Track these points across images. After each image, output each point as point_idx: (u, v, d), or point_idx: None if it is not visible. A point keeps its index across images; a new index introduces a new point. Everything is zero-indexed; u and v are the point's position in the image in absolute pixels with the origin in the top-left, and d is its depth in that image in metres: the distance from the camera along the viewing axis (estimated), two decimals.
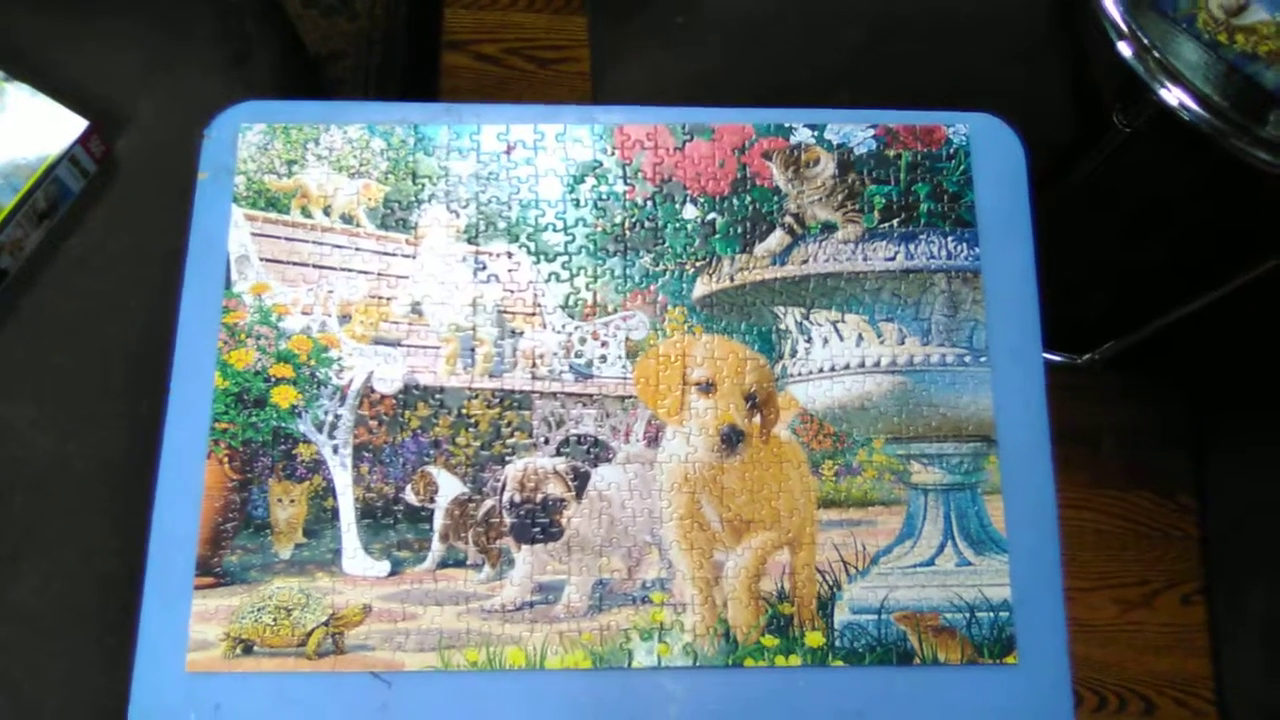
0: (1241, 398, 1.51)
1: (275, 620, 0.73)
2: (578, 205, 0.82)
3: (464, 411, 0.77)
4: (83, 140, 0.88)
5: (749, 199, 0.82)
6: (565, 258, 0.81)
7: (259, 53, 1.00)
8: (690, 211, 0.82)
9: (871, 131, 0.84)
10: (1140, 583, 1.50)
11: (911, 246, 0.82)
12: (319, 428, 0.76)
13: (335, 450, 0.76)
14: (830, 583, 0.76)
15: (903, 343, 0.80)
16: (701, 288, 0.80)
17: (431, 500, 0.76)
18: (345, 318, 0.79)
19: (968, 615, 0.75)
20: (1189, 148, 0.95)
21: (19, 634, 0.82)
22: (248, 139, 0.82)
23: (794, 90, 1.06)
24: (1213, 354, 1.52)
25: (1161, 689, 1.45)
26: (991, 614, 0.75)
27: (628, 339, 0.79)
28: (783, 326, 0.80)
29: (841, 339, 0.80)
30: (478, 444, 0.77)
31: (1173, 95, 0.90)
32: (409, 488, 0.76)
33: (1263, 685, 1.38)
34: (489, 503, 0.76)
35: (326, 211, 0.80)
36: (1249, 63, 0.89)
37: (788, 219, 0.82)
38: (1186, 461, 1.55)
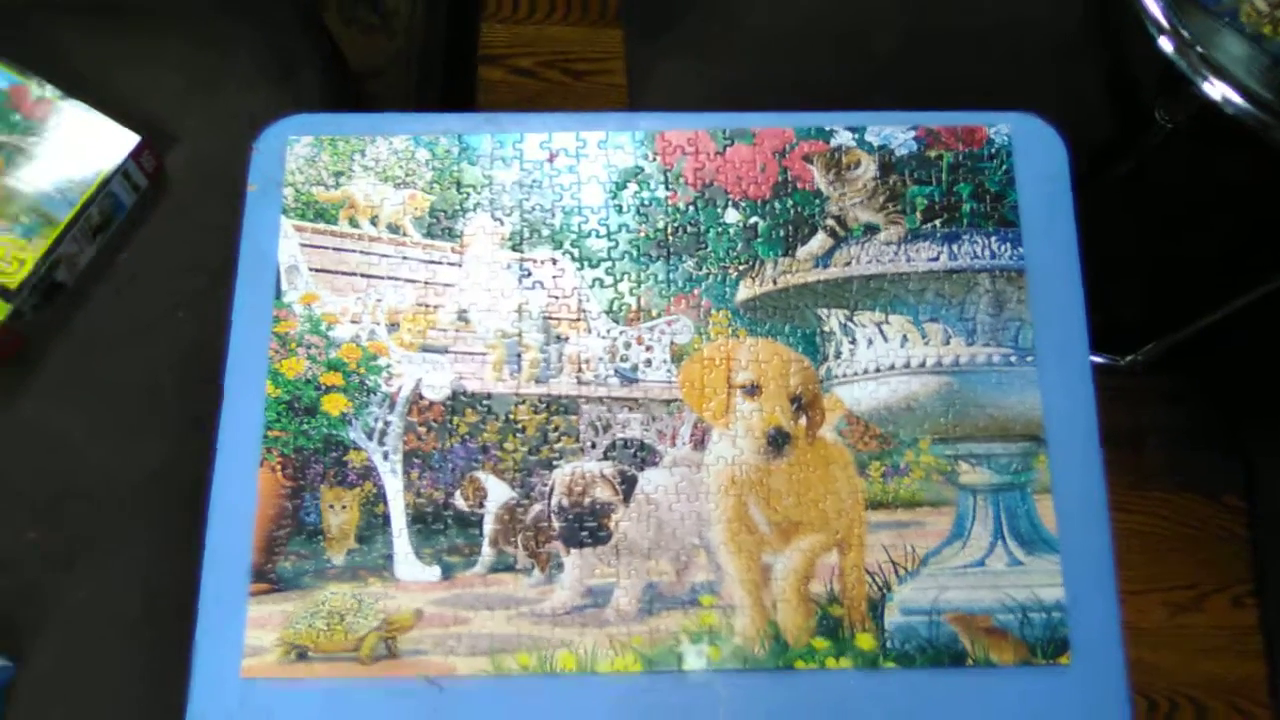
0: None
1: (329, 626, 0.74)
2: (620, 211, 0.83)
3: (511, 417, 0.78)
4: (135, 155, 0.89)
5: (790, 202, 0.83)
6: (609, 263, 0.81)
7: (303, 69, 1.01)
8: (732, 215, 0.82)
9: (912, 133, 0.84)
10: (1189, 585, 1.48)
11: (955, 247, 0.82)
12: (369, 435, 0.77)
13: (385, 457, 0.77)
14: (880, 584, 0.75)
15: (948, 343, 0.80)
16: (745, 291, 0.81)
17: (481, 505, 0.76)
18: (393, 326, 0.79)
19: (1020, 616, 0.75)
20: (1232, 143, 0.94)
21: (72, 642, 0.84)
22: (295, 151, 0.83)
23: (829, 98, 1.07)
24: (1256, 354, 1.50)
25: (1214, 693, 1.43)
26: (1044, 614, 0.75)
27: (672, 343, 0.80)
28: (827, 329, 0.80)
29: (886, 340, 0.80)
30: (525, 449, 0.77)
31: (1216, 90, 0.89)
32: (458, 493, 0.77)
33: None
34: (537, 507, 0.76)
35: (374, 222, 0.82)
36: None
37: (830, 221, 0.82)
38: (1232, 462, 1.53)
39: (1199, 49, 0.89)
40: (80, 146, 0.88)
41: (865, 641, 0.74)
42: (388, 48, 1.34)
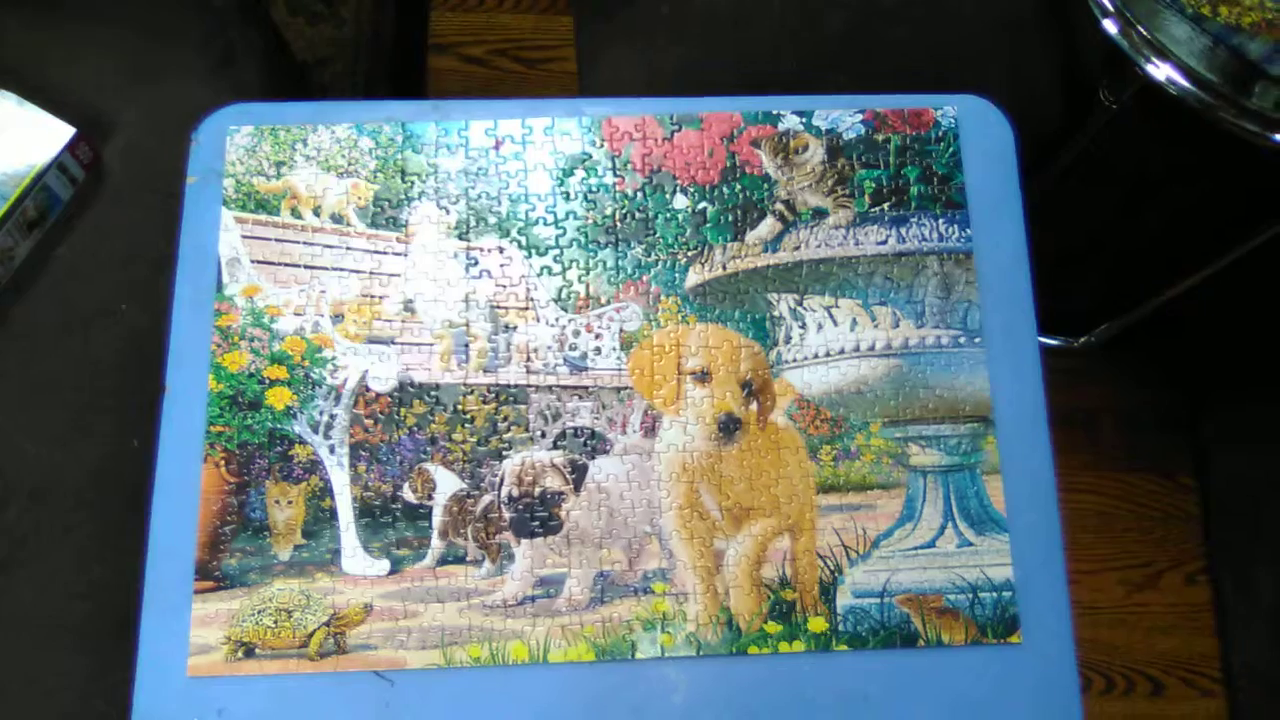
0: (1237, 377, 1.51)
1: (276, 622, 0.72)
2: (568, 198, 0.82)
3: (459, 408, 0.77)
4: (71, 148, 0.88)
5: (739, 187, 0.82)
6: (557, 251, 0.81)
7: (244, 58, 1.00)
8: (681, 201, 0.82)
9: (860, 116, 0.84)
10: (1144, 564, 1.49)
11: (903, 230, 0.82)
12: (315, 428, 0.76)
13: (332, 450, 0.76)
14: (832, 568, 0.75)
15: (897, 326, 0.80)
16: (694, 277, 0.80)
17: (430, 497, 0.76)
18: (338, 317, 0.78)
19: (970, 596, 0.75)
20: (1177, 123, 0.94)
21: (14, 644, 0.82)
22: (235, 141, 0.81)
23: (781, 78, 1.06)
24: (1209, 334, 1.53)
25: (1169, 669, 1.45)
26: (994, 594, 0.75)
27: (622, 330, 0.79)
28: (776, 313, 0.80)
29: (836, 324, 0.80)
30: (474, 440, 0.77)
31: (1160, 70, 0.90)
32: (406, 485, 0.76)
33: (1269, 662, 1.38)
34: (487, 498, 0.76)
35: (316, 212, 0.80)
36: (1233, 35, 0.89)
37: (778, 206, 0.82)
38: (1186, 442, 1.55)
39: (1142, 30, 0.90)
40: (13, 140, 0.86)
41: (817, 625, 0.74)
42: (336, 36, 1.32)
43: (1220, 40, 0.89)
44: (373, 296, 0.79)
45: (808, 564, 0.75)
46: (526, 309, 0.80)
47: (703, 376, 0.78)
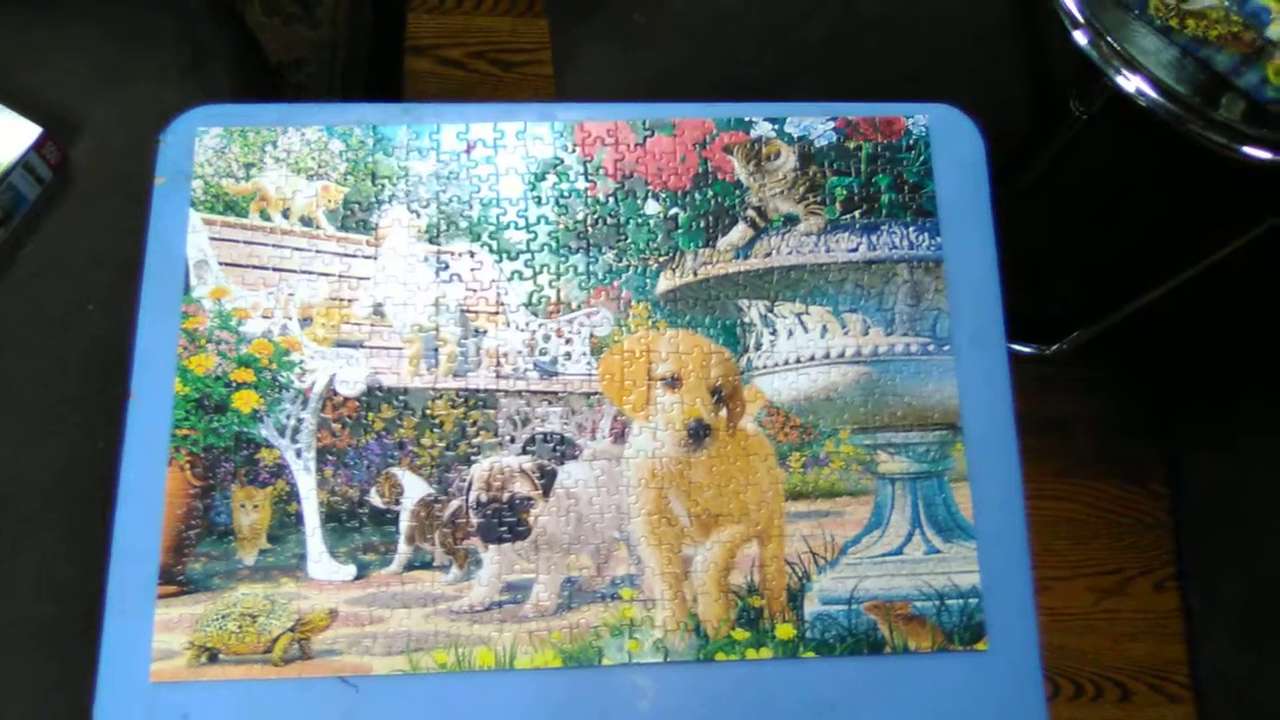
0: (1208, 385, 1.53)
1: (240, 627, 0.72)
2: (539, 203, 0.82)
3: (428, 412, 0.77)
4: (37, 147, 0.87)
5: (711, 193, 0.82)
6: (528, 255, 0.80)
7: (215, 59, 0.99)
8: (652, 207, 0.82)
9: (832, 124, 0.84)
10: (1114, 571, 1.50)
11: (873, 237, 0.82)
12: (281, 432, 0.76)
13: (298, 454, 0.75)
14: (800, 574, 0.75)
15: (867, 333, 0.80)
16: (665, 283, 0.80)
17: (397, 502, 0.75)
18: (306, 320, 0.78)
19: (937, 603, 0.75)
20: (1146, 134, 0.95)
21: None
22: (204, 143, 0.81)
23: (756, 85, 1.07)
24: (1180, 342, 1.54)
25: (1137, 675, 1.46)
26: (961, 601, 0.75)
27: (592, 335, 0.79)
28: (747, 320, 0.80)
29: (806, 331, 0.80)
30: (443, 444, 0.76)
31: (1129, 82, 0.91)
32: (373, 490, 0.75)
33: (1237, 668, 1.39)
34: (455, 503, 0.75)
35: (285, 214, 0.80)
36: (1200, 47, 0.90)
37: (750, 212, 0.82)
38: (1157, 449, 1.56)
39: (1111, 41, 0.90)
40: None
41: (785, 631, 0.74)
42: (311, 37, 1.32)
43: (1188, 52, 0.90)
44: (342, 300, 0.79)
45: (776, 571, 0.75)
46: (497, 313, 0.79)
47: (673, 382, 0.78)
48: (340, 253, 0.80)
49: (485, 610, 0.73)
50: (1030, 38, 1.08)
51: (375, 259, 0.80)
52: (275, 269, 0.79)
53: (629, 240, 0.81)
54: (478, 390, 0.78)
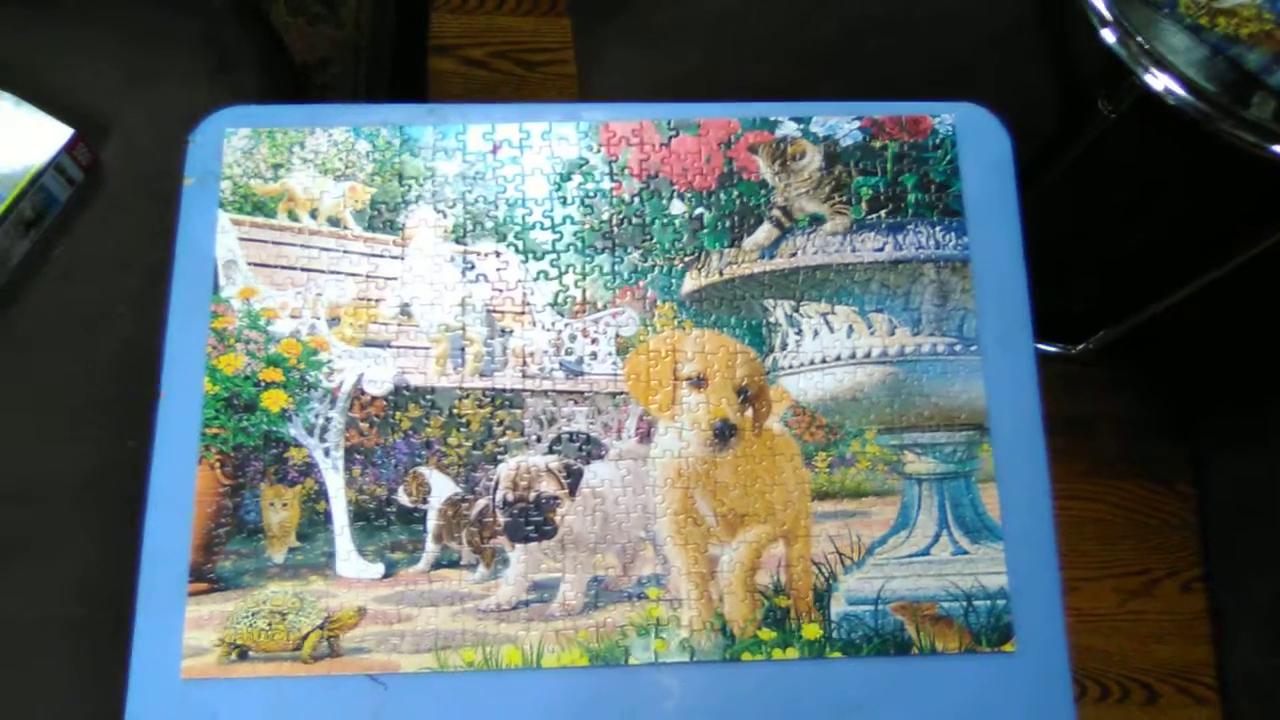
0: (1235, 385, 1.51)
1: (270, 625, 0.72)
2: (565, 203, 0.82)
3: (455, 411, 0.77)
4: (69, 149, 0.88)
5: (736, 193, 0.82)
6: (553, 255, 0.81)
7: (242, 61, 1.00)
8: (677, 207, 0.82)
9: (857, 123, 0.84)
10: (1141, 572, 1.49)
11: (900, 237, 0.82)
12: (310, 431, 0.76)
13: (326, 453, 0.76)
14: (826, 575, 0.75)
15: (893, 333, 0.80)
16: (690, 283, 0.80)
17: (424, 501, 0.76)
18: (334, 320, 0.78)
19: (964, 604, 0.75)
20: (1174, 133, 0.95)
21: (8, 646, 0.82)
22: (233, 144, 0.81)
23: (778, 86, 1.07)
24: (1206, 341, 1.53)
25: (1164, 677, 1.45)
26: (988, 602, 0.75)
27: (618, 335, 0.79)
28: (773, 320, 0.80)
29: (832, 331, 0.80)
30: (469, 444, 0.77)
31: (1158, 80, 0.90)
32: (401, 489, 0.76)
33: (1264, 670, 1.38)
34: (482, 502, 0.76)
35: (313, 214, 0.80)
36: (1231, 45, 0.89)
37: (775, 212, 0.82)
38: (1183, 449, 1.55)
39: (1140, 40, 0.90)
40: (10, 140, 0.86)
41: (811, 632, 0.74)
42: (335, 37, 1.32)
43: (1219, 50, 0.89)
44: (369, 300, 0.79)
45: (802, 571, 0.75)
46: (523, 313, 0.80)
47: (698, 382, 0.78)
48: (367, 253, 0.80)
49: (512, 609, 0.74)
50: (1057, 36, 1.07)
51: (402, 259, 0.80)
52: (303, 269, 0.79)
53: (654, 240, 0.81)
54: (504, 390, 0.78)
